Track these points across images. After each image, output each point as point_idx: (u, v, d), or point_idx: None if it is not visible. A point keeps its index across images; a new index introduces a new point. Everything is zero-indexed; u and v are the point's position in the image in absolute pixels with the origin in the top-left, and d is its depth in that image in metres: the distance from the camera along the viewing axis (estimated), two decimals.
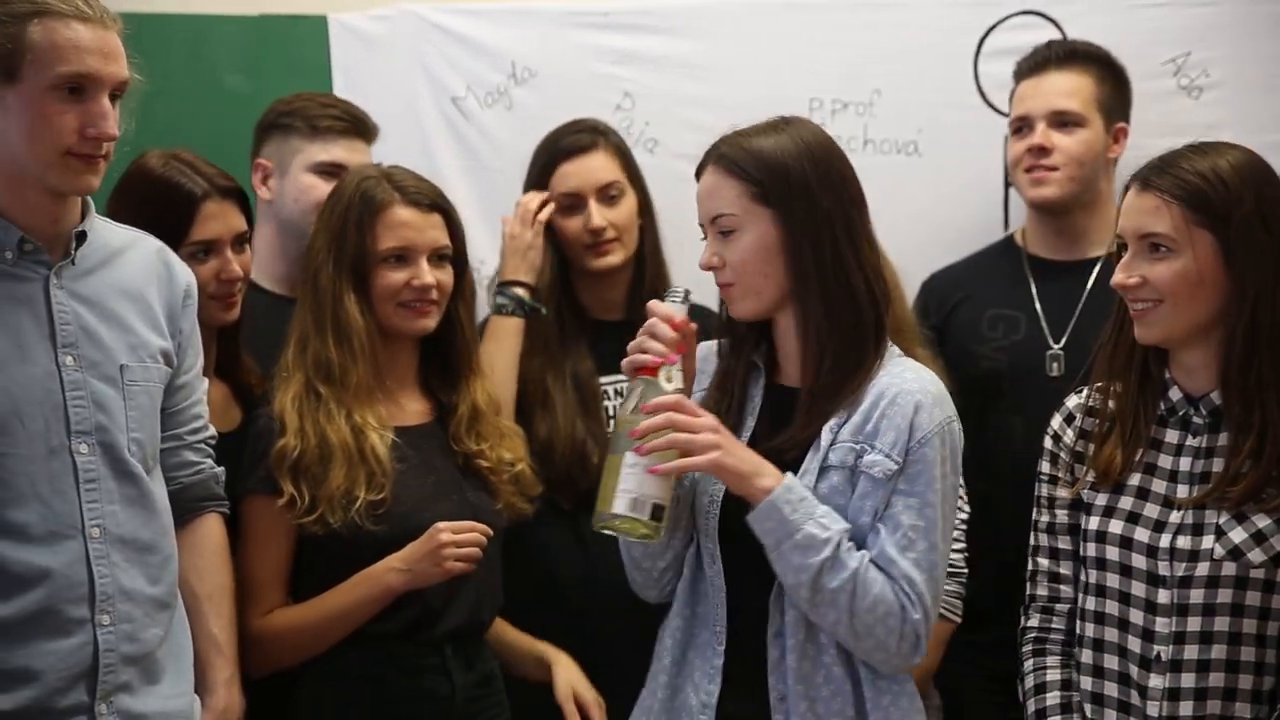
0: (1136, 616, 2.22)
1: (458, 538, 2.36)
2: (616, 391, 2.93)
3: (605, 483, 2.08)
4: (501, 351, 2.83)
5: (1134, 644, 2.22)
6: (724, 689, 2.17)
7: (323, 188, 2.84)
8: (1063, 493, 2.33)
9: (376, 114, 3.40)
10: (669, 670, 2.23)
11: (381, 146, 3.26)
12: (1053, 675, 2.33)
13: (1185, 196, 2.17)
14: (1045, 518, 2.36)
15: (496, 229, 3.15)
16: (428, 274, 2.48)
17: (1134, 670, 2.23)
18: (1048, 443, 2.36)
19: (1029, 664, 2.36)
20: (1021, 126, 3.04)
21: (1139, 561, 2.22)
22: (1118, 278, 2.24)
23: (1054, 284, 3.02)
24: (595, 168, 2.93)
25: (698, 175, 2.24)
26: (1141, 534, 2.22)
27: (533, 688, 2.72)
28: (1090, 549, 2.28)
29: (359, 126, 2.99)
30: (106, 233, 2.23)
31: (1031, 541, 2.38)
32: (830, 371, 2.16)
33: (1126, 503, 2.25)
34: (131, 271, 2.23)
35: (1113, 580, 2.25)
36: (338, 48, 3.50)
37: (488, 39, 3.48)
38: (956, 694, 3.04)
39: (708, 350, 2.31)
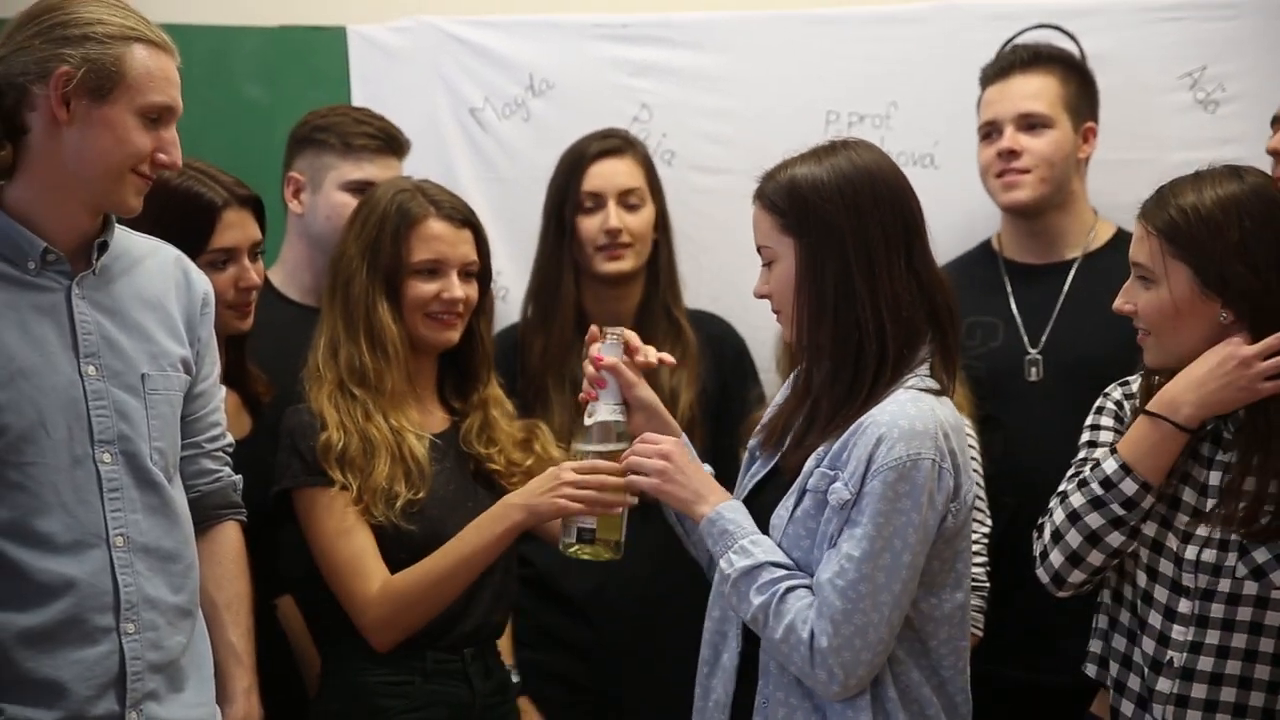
0: (1155, 619, 2.24)
1: (579, 478, 2.30)
2: None
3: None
4: None
5: (1147, 645, 2.25)
6: (738, 688, 2.20)
7: (355, 206, 2.86)
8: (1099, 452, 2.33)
9: (396, 124, 3.42)
10: (701, 671, 2.25)
11: None
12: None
13: (1163, 229, 2.23)
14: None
15: (513, 240, 3.17)
16: (457, 288, 2.53)
17: (1145, 668, 2.26)
18: (1087, 431, 2.39)
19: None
20: (990, 132, 3.06)
21: (1166, 568, 2.24)
22: (1116, 302, 2.31)
23: (1031, 287, 3.03)
24: (620, 171, 2.97)
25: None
26: (1173, 541, 2.24)
27: (542, 701, 2.74)
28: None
29: (393, 145, 3.00)
30: (126, 242, 2.25)
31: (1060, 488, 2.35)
32: (819, 400, 2.18)
33: (1161, 507, 2.27)
34: (151, 280, 2.24)
35: (1140, 579, 2.28)
36: (357, 59, 3.51)
37: (506, 51, 3.49)
38: None
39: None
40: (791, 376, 2.32)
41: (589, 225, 2.96)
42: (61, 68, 2.05)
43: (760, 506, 2.21)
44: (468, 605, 2.48)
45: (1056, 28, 3.27)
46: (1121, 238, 2.99)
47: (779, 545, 2.14)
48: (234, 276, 2.57)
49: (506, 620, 2.63)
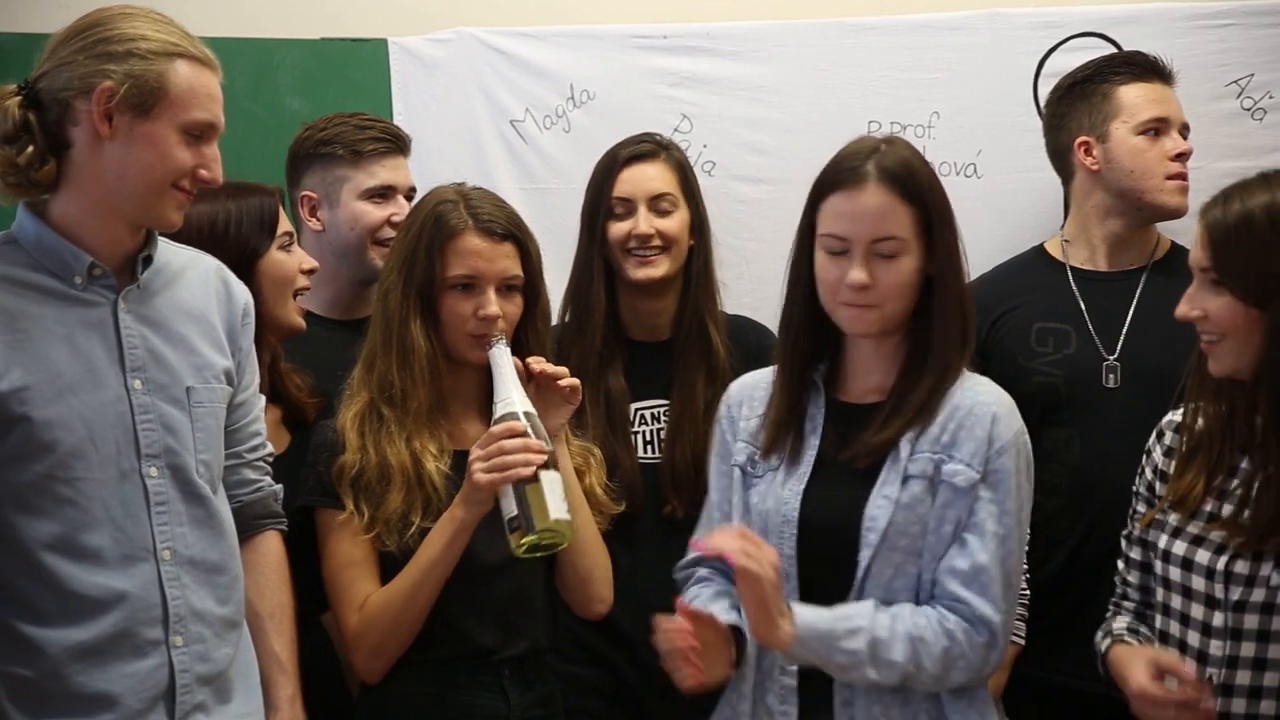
0: (1194, 639, 2.22)
1: (482, 451, 2.30)
2: (653, 416, 2.92)
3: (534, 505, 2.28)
4: None
5: (1190, 667, 2.20)
6: (802, 706, 2.20)
7: (376, 213, 2.87)
8: (1141, 508, 2.36)
9: (436, 136, 3.44)
10: (748, 681, 2.24)
11: (441, 168, 3.29)
12: (1119, 622, 2.38)
13: (1214, 237, 2.19)
14: (1128, 527, 2.40)
15: (555, 251, 3.14)
16: (493, 305, 2.44)
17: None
18: (1144, 456, 2.39)
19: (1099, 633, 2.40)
20: (1153, 129, 2.94)
21: (1199, 584, 2.21)
22: (1181, 308, 2.25)
23: (1100, 295, 2.97)
24: (650, 176, 2.92)
25: (841, 187, 2.22)
26: (1203, 556, 2.21)
27: (578, 714, 2.73)
28: (1158, 567, 2.29)
29: (399, 144, 2.99)
30: (167, 253, 2.25)
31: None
32: (926, 384, 2.21)
33: (1195, 526, 2.24)
34: (193, 292, 2.26)
35: (1176, 601, 2.25)
36: (398, 71, 3.52)
37: (547, 62, 3.49)
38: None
39: (757, 380, 2.38)
40: (774, 383, 2.32)
41: (619, 230, 2.92)
42: (104, 83, 2.06)
43: (828, 500, 2.20)
44: (505, 641, 2.45)
45: (1102, 36, 3.24)
46: (1176, 249, 2.96)
47: (885, 533, 2.16)
48: (299, 259, 2.64)
49: (551, 642, 2.57)
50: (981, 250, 3.17)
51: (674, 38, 3.47)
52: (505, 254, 2.48)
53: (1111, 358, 2.92)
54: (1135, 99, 2.95)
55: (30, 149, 2.09)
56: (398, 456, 2.41)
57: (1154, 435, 2.39)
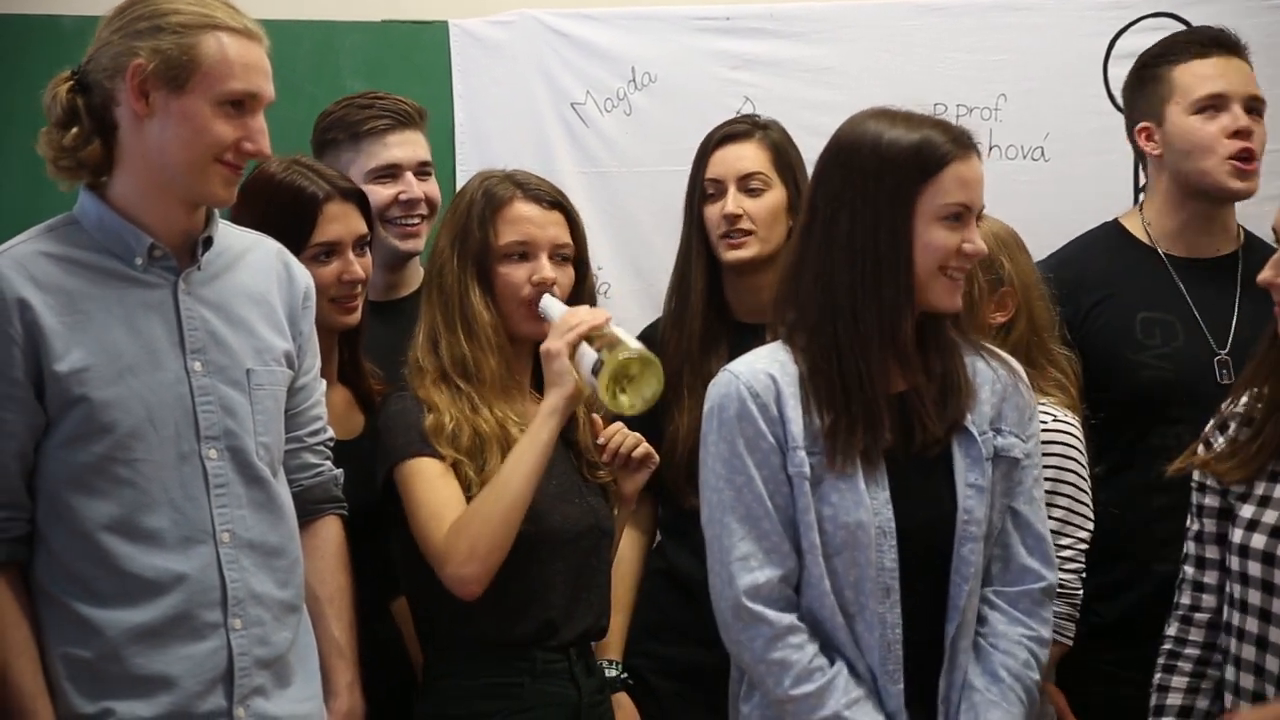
0: (1276, 635, 2.15)
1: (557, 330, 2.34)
2: None
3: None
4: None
5: (1272, 664, 2.15)
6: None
7: (382, 192, 2.82)
8: (1210, 500, 2.28)
9: (496, 119, 3.43)
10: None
11: (501, 151, 3.29)
12: (1173, 699, 2.29)
13: None
14: (1195, 525, 2.32)
15: (615, 235, 3.15)
16: (549, 269, 2.46)
17: (1270, 691, 2.15)
18: (1200, 449, 2.30)
19: (1158, 677, 2.33)
20: (1211, 106, 2.81)
21: None
22: (1265, 274, 2.16)
23: (1203, 284, 2.84)
24: (741, 156, 2.87)
25: (949, 162, 2.15)
26: None
27: (653, 693, 2.73)
28: (1234, 562, 2.22)
29: (403, 117, 2.90)
30: (229, 236, 2.25)
31: (1184, 550, 2.35)
32: (958, 357, 2.21)
33: (1271, 516, 2.17)
34: (254, 274, 2.25)
35: (1254, 597, 2.18)
36: (458, 53, 3.52)
37: (608, 44, 3.48)
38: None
39: (760, 367, 2.21)
40: (829, 378, 2.15)
41: (712, 213, 2.88)
42: (135, 61, 2.05)
43: (917, 500, 2.15)
44: (570, 615, 2.43)
45: (1174, 16, 3.19)
46: (1252, 237, 2.88)
47: (985, 524, 2.15)
48: (337, 270, 2.53)
49: (608, 624, 2.57)
50: (1047, 236, 3.13)
51: (737, 19, 3.45)
52: (555, 221, 2.50)
53: (1223, 352, 2.81)
54: (1190, 78, 2.84)
55: (74, 130, 2.09)
56: (488, 424, 2.41)
57: (1213, 425, 2.29)
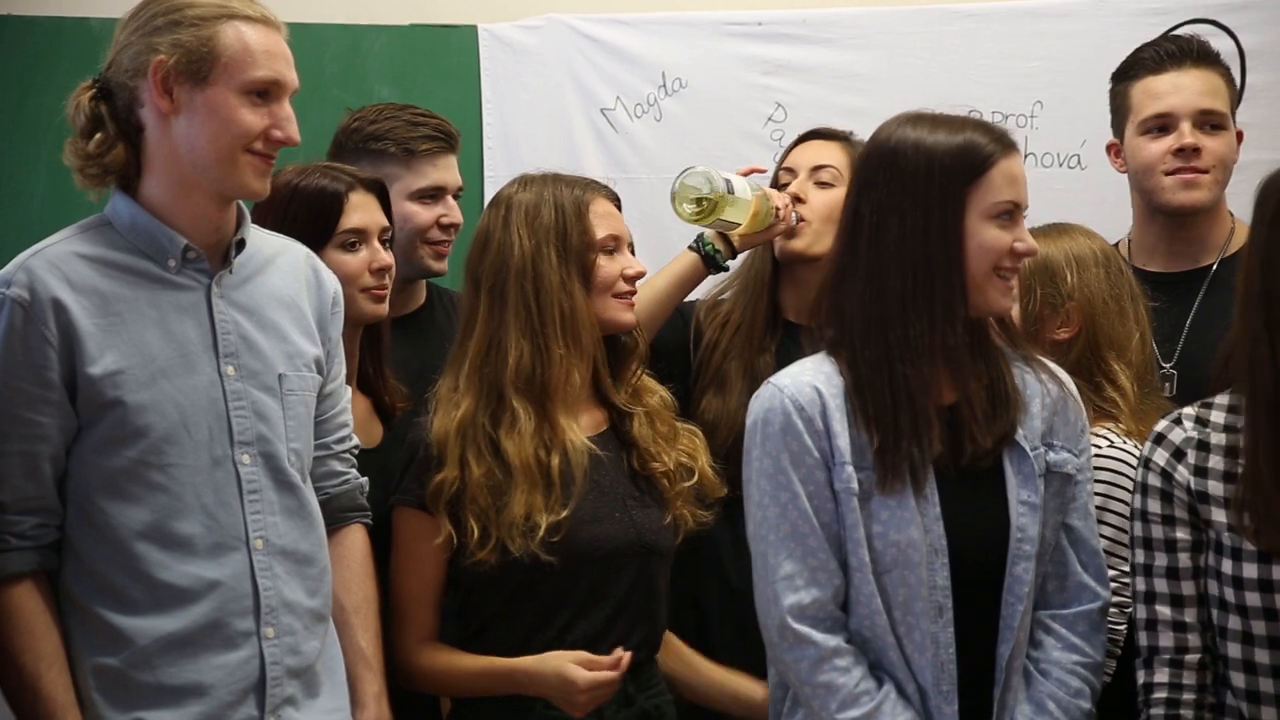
0: None
1: (591, 688, 2.27)
2: None
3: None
4: (664, 272, 2.81)
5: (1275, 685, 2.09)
6: None
7: (425, 214, 2.79)
8: (1182, 534, 2.13)
9: (525, 124, 3.42)
10: None
11: (530, 156, 3.28)
12: None
13: None
14: (1164, 561, 2.15)
15: (646, 240, 3.10)
16: (638, 262, 2.48)
17: None
18: (1152, 479, 2.15)
19: None
20: (1158, 126, 2.82)
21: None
22: None
23: (1160, 298, 2.77)
24: (819, 148, 2.84)
25: (996, 161, 2.12)
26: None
27: None
28: (1229, 594, 2.10)
29: (451, 142, 2.88)
30: (260, 240, 2.23)
31: (1140, 587, 2.17)
32: (1006, 369, 2.17)
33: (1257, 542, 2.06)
34: (284, 278, 2.22)
35: (1259, 627, 2.08)
36: (487, 58, 3.51)
37: (638, 49, 3.47)
38: None
39: (805, 380, 2.14)
40: (878, 391, 2.10)
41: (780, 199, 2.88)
42: (156, 58, 2.04)
43: (969, 518, 2.10)
44: (607, 632, 2.34)
45: (1213, 22, 3.16)
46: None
47: (1039, 541, 2.11)
48: (367, 258, 2.51)
49: (653, 655, 2.45)
50: None
51: (768, 25, 3.44)
52: (623, 216, 2.51)
53: (1168, 366, 2.80)
54: (1141, 96, 2.84)
55: (99, 135, 2.07)
56: (520, 453, 2.32)
57: (1167, 455, 2.13)
